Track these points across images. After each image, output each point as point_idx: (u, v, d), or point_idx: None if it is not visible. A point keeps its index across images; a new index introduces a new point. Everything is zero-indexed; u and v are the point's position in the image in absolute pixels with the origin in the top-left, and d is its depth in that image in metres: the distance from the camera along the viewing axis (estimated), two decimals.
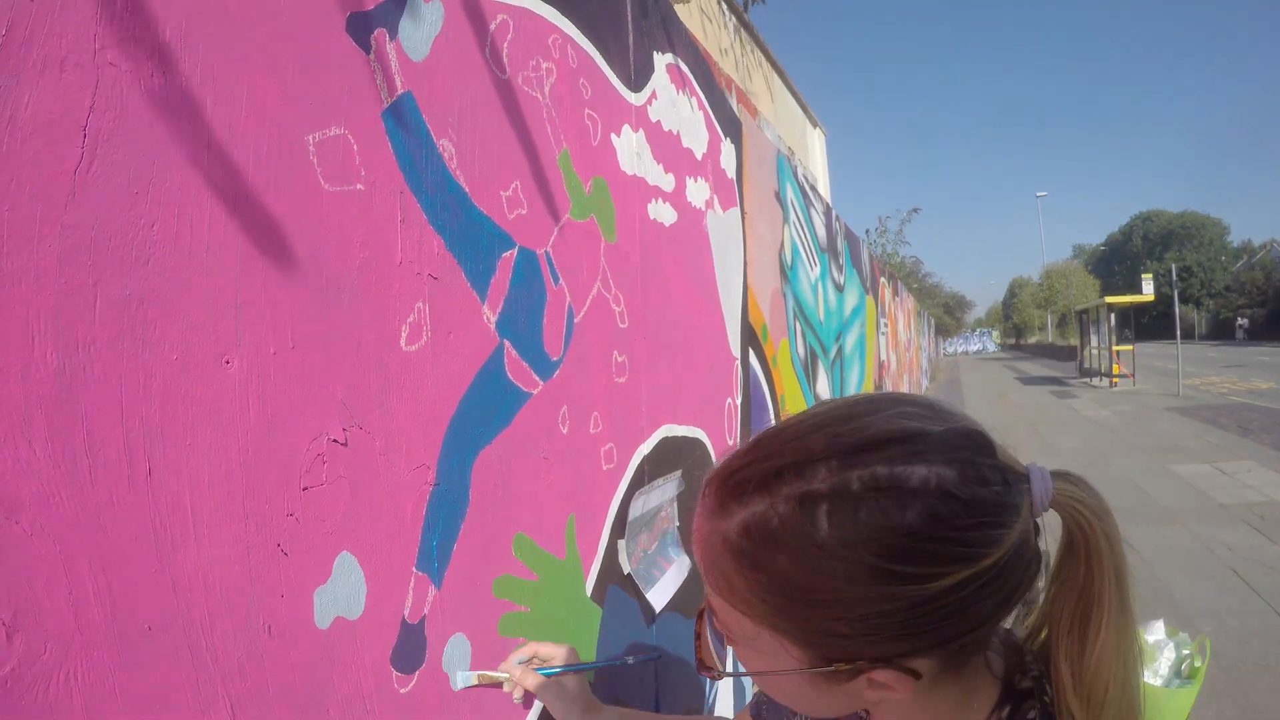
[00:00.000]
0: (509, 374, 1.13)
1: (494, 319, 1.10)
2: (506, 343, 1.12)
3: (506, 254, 1.14)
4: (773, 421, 3.20)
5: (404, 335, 0.92)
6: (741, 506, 0.51)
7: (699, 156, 2.28)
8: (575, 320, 1.35)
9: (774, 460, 0.52)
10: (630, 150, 1.70)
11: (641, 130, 1.80)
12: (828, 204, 5.20)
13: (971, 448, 0.51)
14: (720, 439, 2.32)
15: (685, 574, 1.87)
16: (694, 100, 2.28)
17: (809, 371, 4.13)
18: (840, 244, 5.63)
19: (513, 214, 1.15)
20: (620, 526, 1.53)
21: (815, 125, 10.67)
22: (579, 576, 1.35)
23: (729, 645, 0.58)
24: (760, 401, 2.99)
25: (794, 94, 9.21)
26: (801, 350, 3.96)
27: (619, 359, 1.54)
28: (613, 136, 1.60)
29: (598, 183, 1.48)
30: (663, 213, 1.91)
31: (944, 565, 0.48)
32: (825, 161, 11.31)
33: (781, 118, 8.34)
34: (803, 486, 0.49)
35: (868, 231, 21.74)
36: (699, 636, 0.61)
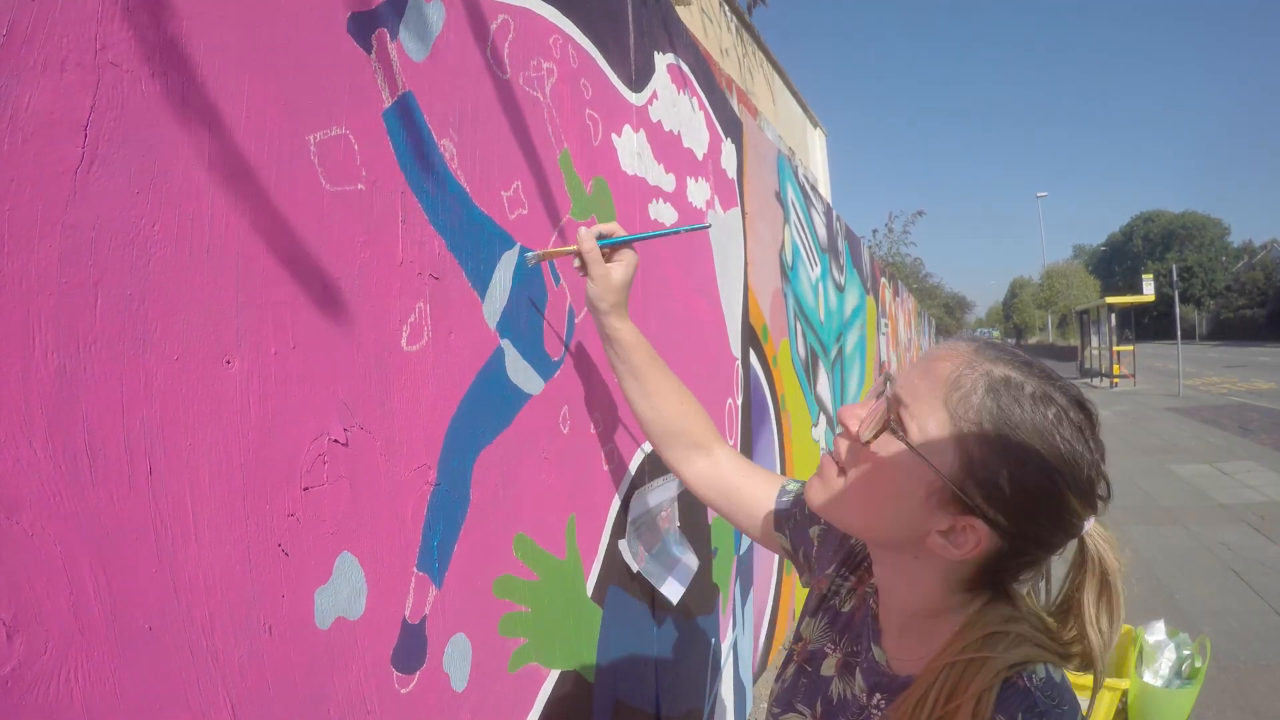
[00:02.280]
0: (510, 374, 1.13)
1: (495, 319, 1.10)
2: (507, 343, 1.12)
3: (507, 254, 1.14)
4: (774, 422, 3.19)
5: (405, 335, 0.92)
6: (1006, 367, 0.65)
7: (699, 156, 2.27)
8: (576, 321, 1.35)
9: (1013, 356, 0.67)
10: (631, 150, 1.70)
11: (642, 130, 1.80)
12: (828, 204, 5.20)
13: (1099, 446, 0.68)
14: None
15: (694, 570, 1.87)
16: (695, 100, 2.28)
17: (809, 372, 4.13)
18: (841, 244, 5.62)
19: (514, 214, 1.15)
20: (621, 526, 1.53)
21: (816, 125, 10.67)
22: (579, 576, 1.35)
23: (896, 427, 0.67)
24: (761, 402, 2.99)
25: (794, 94, 9.20)
26: (802, 350, 3.95)
27: None
28: (613, 136, 1.60)
29: (598, 183, 1.48)
30: (663, 213, 1.90)
31: (1073, 490, 0.63)
32: (825, 161, 11.30)
33: (782, 118, 8.33)
34: (1048, 384, 0.65)
35: (874, 231, 21.75)
36: (873, 421, 0.69)
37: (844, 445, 0.72)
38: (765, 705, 1.10)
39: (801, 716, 0.82)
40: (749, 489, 1.06)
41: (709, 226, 1.61)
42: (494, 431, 1.09)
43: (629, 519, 1.56)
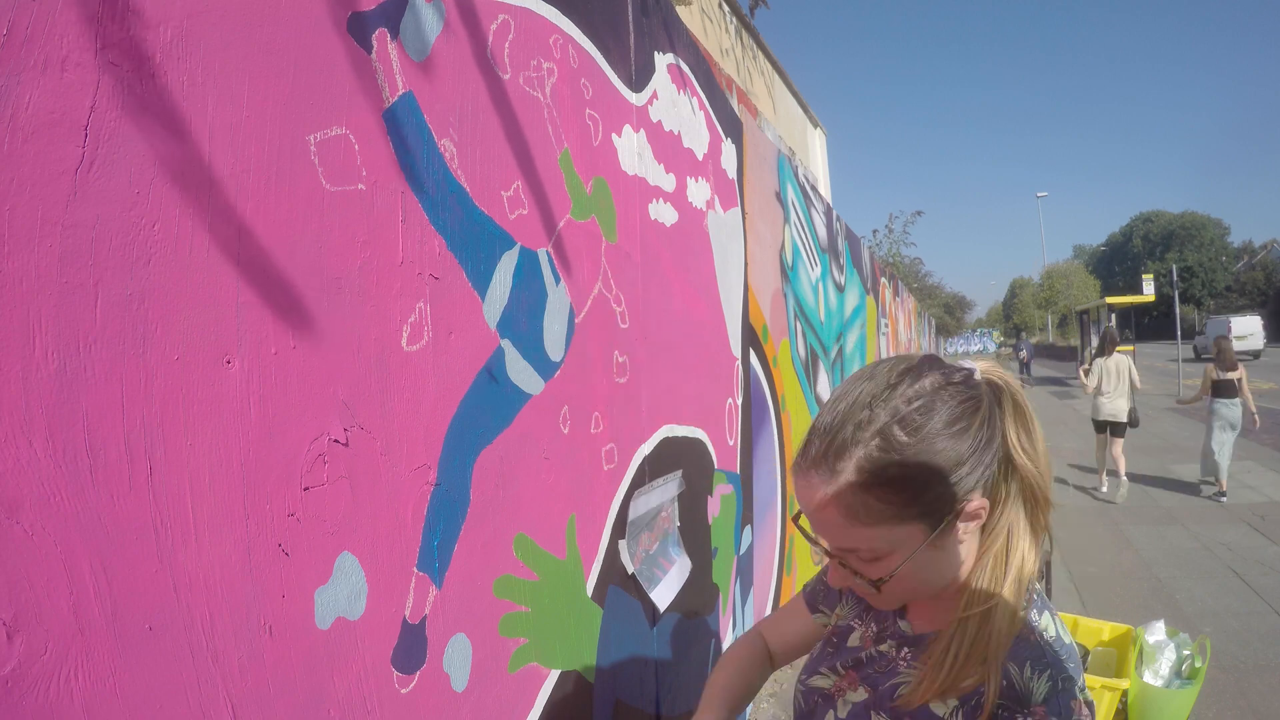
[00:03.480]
0: (510, 374, 1.13)
1: (495, 319, 1.10)
2: (507, 343, 1.12)
3: (507, 254, 1.14)
4: (774, 422, 3.19)
5: (405, 335, 0.92)
6: (844, 462, 0.71)
7: (700, 156, 2.27)
8: (576, 320, 1.35)
9: (842, 425, 0.73)
10: (631, 150, 1.70)
11: (642, 130, 1.80)
12: (828, 204, 5.19)
13: (937, 363, 0.78)
14: (721, 439, 2.31)
15: (687, 573, 1.87)
16: (695, 100, 2.27)
17: (809, 372, 4.12)
18: (841, 244, 5.62)
19: (513, 214, 1.15)
20: (621, 526, 1.53)
21: (816, 125, 10.67)
22: (580, 576, 1.35)
23: (874, 564, 0.75)
24: (761, 401, 2.98)
25: (794, 94, 9.20)
26: (802, 350, 3.95)
27: (620, 359, 1.54)
28: (614, 136, 1.60)
29: (598, 183, 1.48)
30: (663, 213, 1.90)
31: (971, 415, 0.73)
32: (825, 161, 11.30)
33: (782, 118, 8.33)
34: (874, 426, 0.71)
35: (875, 231, 21.71)
36: (852, 574, 0.78)
37: (860, 587, 0.80)
38: (769, 693, 1.11)
39: (827, 678, 0.89)
40: (792, 623, 1.10)
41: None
42: (494, 431, 1.09)
43: (629, 519, 1.56)
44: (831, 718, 0.86)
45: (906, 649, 0.83)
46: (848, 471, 0.71)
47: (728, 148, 2.59)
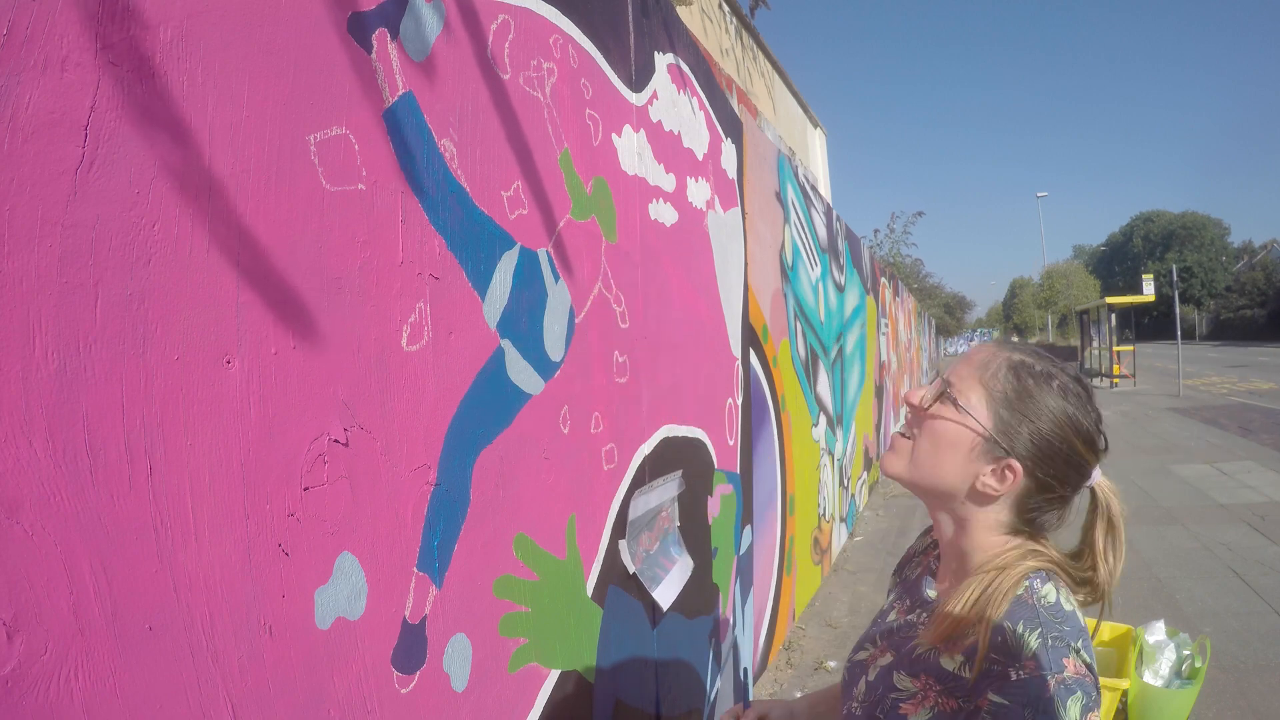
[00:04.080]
0: (510, 374, 1.13)
1: (495, 319, 1.10)
2: (507, 343, 1.12)
3: (507, 254, 1.14)
4: (774, 422, 3.19)
5: (405, 335, 0.92)
6: (1021, 354, 0.88)
7: (700, 157, 2.27)
8: (576, 320, 1.35)
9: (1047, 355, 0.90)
10: (631, 150, 1.70)
11: (642, 130, 1.80)
12: (828, 204, 5.19)
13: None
14: (721, 439, 2.31)
15: (689, 573, 1.87)
16: (695, 100, 2.27)
17: (809, 371, 4.12)
18: (841, 244, 5.61)
19: (513, 214, 1.15)
20: (621, 526, 1.53)
21: (816, 125, 10.66)
22: (580, 576, 1.35)
23: (948, 404, 0.88)
24: (761, 401, 2.98)
25: (794, 94, 9.20)
26: (802, 350, 3.95)
27: (620, 359, 1.54)
28: (614, 136, 1.60)
29: (598, 183, 1.48)
30: (663, 213, 1.90)
31: (1078, 437, 0.85)
32: (826, 161, 11.29)
33: (782, 118, 8.33)
34: (1052, 366, 0.87)
35: (876, 231, 21.65)
36: (936, 398, 0.90)
37: (911, 418, 0.92)
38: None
39: (867, 650, 0.97)
40: None
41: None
42: (494, 432, 1.09)
43: (629, 519, 1.56)
44: (863, 683, 0.94)
45: (923, 611, 0.91)
46: (1017, 356, 0.88)
47: (728, 148, 2.59)
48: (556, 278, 1.28)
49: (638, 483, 1.62)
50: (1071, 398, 0.86)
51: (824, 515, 4.46)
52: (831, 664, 3.29)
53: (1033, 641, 0.76)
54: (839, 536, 4.97)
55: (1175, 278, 15.98)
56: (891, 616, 0.97)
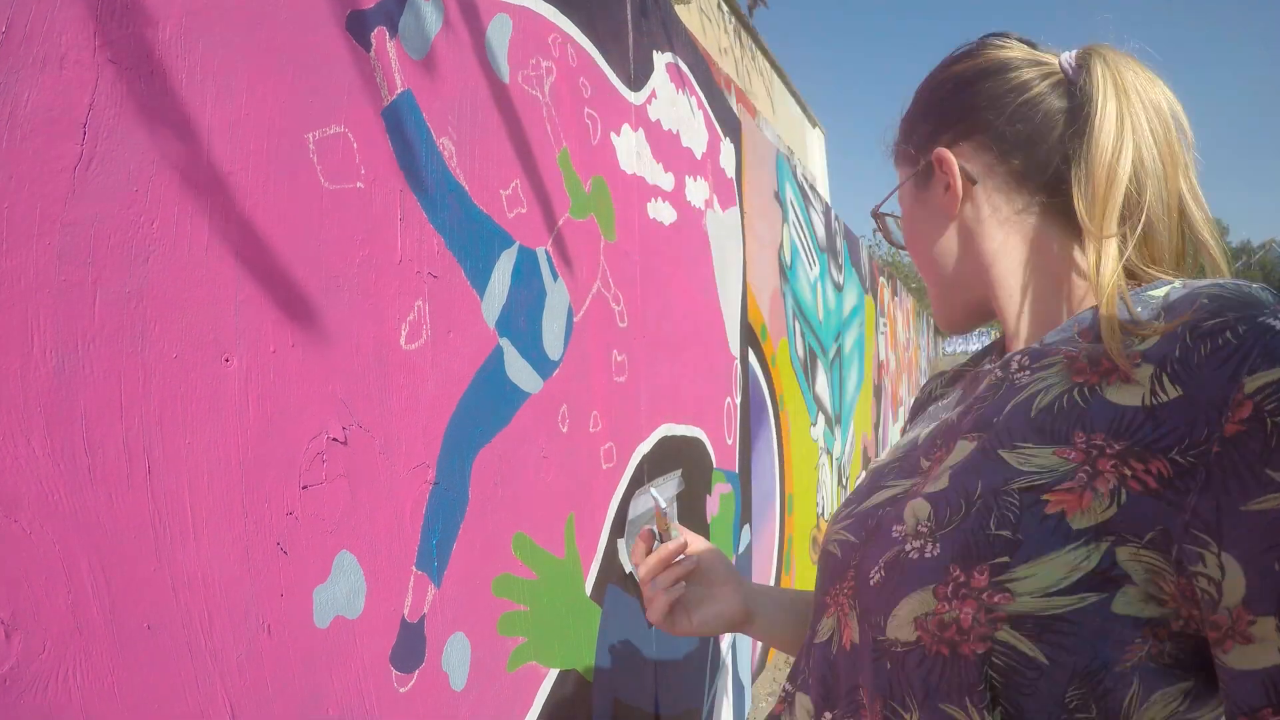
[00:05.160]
0: (508, 373, 1.13)
1: (493, 318, 1.10)
2: (506, 341, 1.12)
3: (506, 252, 1.13)
4: (772, 421, 3.19)
5: (404, 334, 0.92)
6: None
7: (698, 156, 2.26)
8: (574, 319, 1.35)
9: None
10: (630, 149, 1.70)
11: (641, 129, 1.80)
12: (827, 204, 5.18)
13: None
14: (720, 438, 2.31)
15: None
16: (693, 100, 2.28)
17: (808, 371, 4.12)
18: (839, 244, 5.61)
19: (512, 213, 1.15)
20: (620, 525, 1.53)
21: (814, 125, 10.67)
22: (578, 575, 1.35)
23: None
24: (759, 401, 2.98)
25: (793, 93, 9.20)
26: (800, 350, 3.94)
27: (618, 358, 1.53)
28: (612, 135, 1.60)
29: (597, 182, 1.48)
30: (662, 212, 1.90)
31: (995, 54, 0.67)
32: (824, 161, 11.30)
33: (780, 117, 8.33)
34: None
35: (874, 231, 21.59)
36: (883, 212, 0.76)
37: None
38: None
39: (896, 485, 0.63)
40: None
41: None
42: (493, 430, 1.09)
43: (628, 519, 1.56)
44: (915, 507, 0.58)
45: (1020, 357, 0.59)
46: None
47: (726, 147, 2.59)
48: (555, 276, 1.28)
49: (636, 482, 1.62)
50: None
51: (822, 514, 4.45)
52: None
53: (1261, 294, 0.49)
54: None
55: None
56: (933, 428, 0.65)
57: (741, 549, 2.61)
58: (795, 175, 4.03)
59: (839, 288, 5.53)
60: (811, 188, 4.65)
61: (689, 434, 2.02)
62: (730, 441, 2.44)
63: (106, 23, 0.58)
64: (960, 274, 0.67)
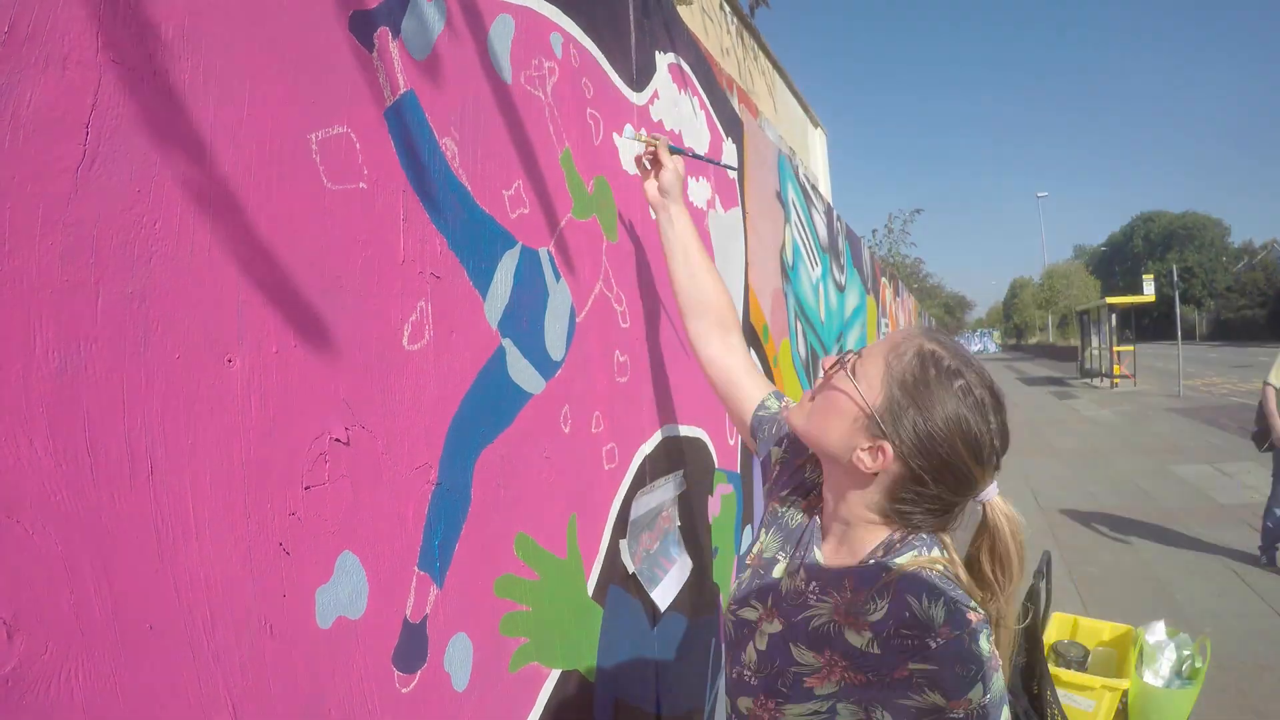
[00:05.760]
0: (511, 374, 1.13)
1: (496, 318, 1.10)
2: (508, 342, 1.12)
3: (509, 253, 1.14)
4: None
5: (406, 334, 0.91)
6: (937, 345, 0.88)
7: (702, 153, 2.27)
8: (577, 320, 1.34)
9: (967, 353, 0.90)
10: (632, 149, 1.70)
11: (643, 130, 1.80)
12: (829, 204, 5.18)
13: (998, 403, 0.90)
14: (722, 439, 2.31)
15: (687, 574, 1.87)
16: (695, 100, 2.28)
17: (810, 372, 4.12)
18: (841, 244, 5.62)
19: (515, 213, 1.15)
20: (622, 526, 1.53)
21: (816, 125, 10.67)
22: (580, 576, 1.35)
23: (846, 372, 0.91)
24: None
25: (795, 94, 9.20)
26: (802, 350, 3.94)
27: (621, 359, 1.53)
28: (615, 136, 1.60)
29: (599, 182, 1.48)
30: None
31: (964, 443, 0.85)
32: (826, 161, 11.29)
33: (782, 118, 8.33)
34: (964, 366, 0.88)
35: (875, 231, 21.60)
36: (836, 365, 0.94)
37: (822, 381, 0.96)
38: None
39: (755, 609, 0.98)
40: (746, 387, 1.27)
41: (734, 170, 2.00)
42: (495, 431, 1.09)
43: (630, 519, 1.56)
44: (751, 649, 0.96)
45: (815, 583, 0.92)
46: (933, 346, 0.88)
47: (728, 147, 2.59)
48: (558, 277, 1.28)
49: (639, 482, 1.62)
50: (970, 401, 0.85)
51: None
52: None
53: (939, 613, 0.81)
54: None
55: (1176, 278, 15.97)
56: (779, 570, 0.99)
57: (743, 549, 2.61)
58: (797, 175, 4.02)
59: (841, 288, 5.53)
60: (814, 188, 4.65)
61: (691, 435, 2.02)
62: (732, 442, 2.44)
63: (109, 23, 0.58)
64: (822, 446, 0.95)
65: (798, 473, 1.09)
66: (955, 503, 0.89)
